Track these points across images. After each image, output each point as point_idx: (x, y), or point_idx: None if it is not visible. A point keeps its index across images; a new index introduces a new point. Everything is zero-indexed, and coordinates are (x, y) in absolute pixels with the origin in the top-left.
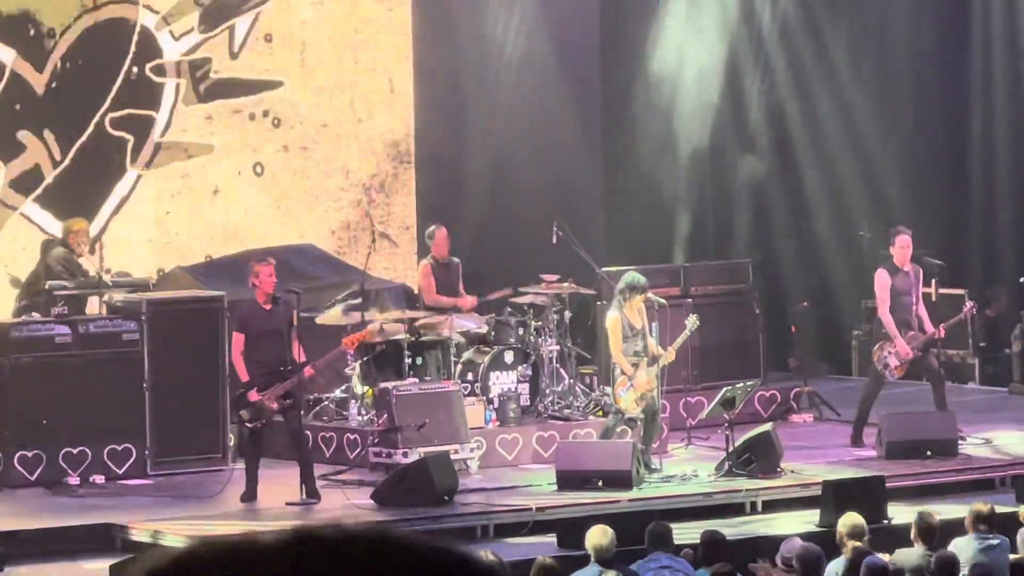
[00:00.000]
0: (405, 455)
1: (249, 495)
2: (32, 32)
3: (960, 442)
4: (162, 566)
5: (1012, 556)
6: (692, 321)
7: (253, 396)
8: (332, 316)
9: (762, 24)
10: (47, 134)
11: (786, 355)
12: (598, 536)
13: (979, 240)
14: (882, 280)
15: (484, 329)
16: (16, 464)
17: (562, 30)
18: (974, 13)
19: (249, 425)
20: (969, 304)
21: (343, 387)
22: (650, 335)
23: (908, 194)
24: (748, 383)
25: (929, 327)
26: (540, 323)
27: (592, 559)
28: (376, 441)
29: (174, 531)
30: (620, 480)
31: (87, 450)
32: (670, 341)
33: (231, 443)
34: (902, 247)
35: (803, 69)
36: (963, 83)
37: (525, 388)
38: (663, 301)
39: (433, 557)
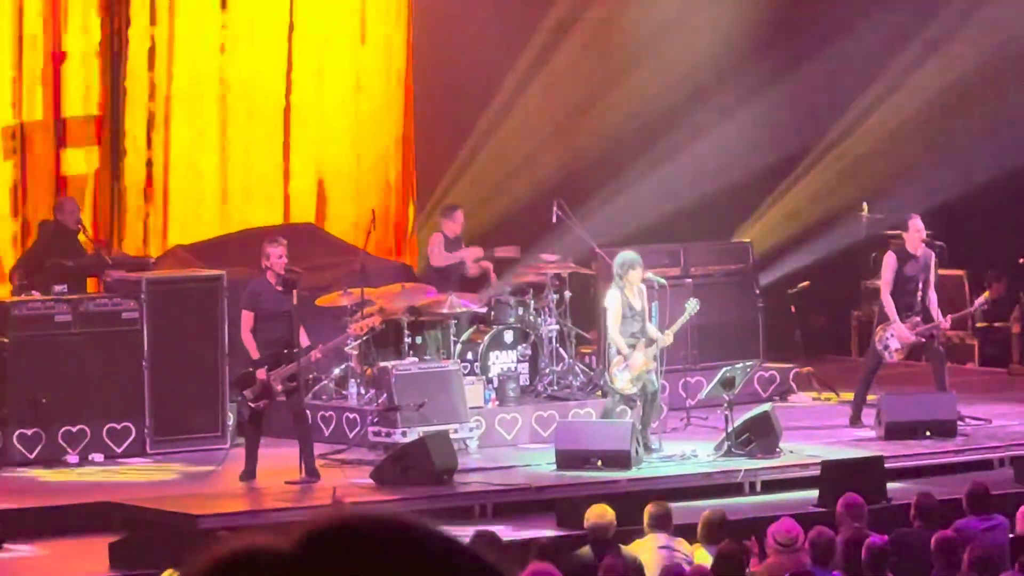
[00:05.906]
0: (404, 434)
1: (248, 474)
2: None
3: (960, 423)
4: None
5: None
6: (692, 305)
7: (261, 375)
8: (332, 297)
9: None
10: None
11: (786, 336)
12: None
13: (979, 221)
14: (889, 264)
15: (484, 309)
16: (15, 442)
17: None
18: None
19: (252, 405)
20: (980, 299)
21: (342, 366)
22: (649, 319)
23: (907, 173)
24: (747, 363)
25: (937, 315)
26: (540, 303)
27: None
28: (375, 420)
29: (173, 509)
30: (619, 460)
31: (86, 428)
32: (670, 321)
33: (230, 422)
34: (915, 232)
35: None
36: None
37: (524, 368)
38: (663, 281)
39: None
